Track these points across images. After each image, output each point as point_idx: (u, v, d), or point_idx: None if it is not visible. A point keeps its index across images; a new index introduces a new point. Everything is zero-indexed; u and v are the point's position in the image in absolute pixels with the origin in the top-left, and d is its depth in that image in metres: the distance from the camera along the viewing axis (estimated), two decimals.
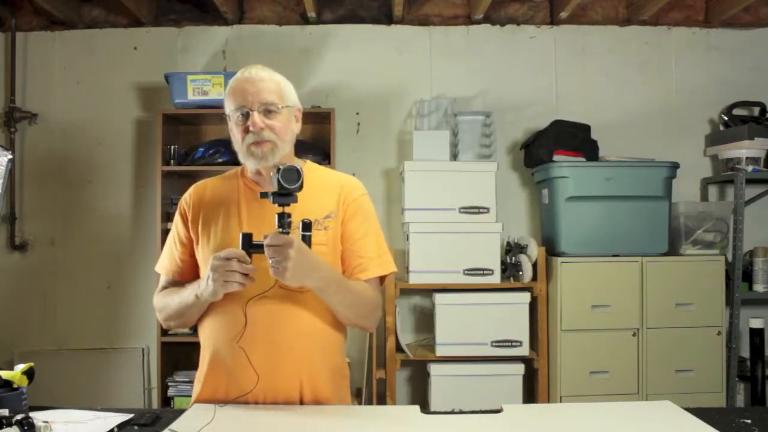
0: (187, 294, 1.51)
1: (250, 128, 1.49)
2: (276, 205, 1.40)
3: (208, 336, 1.56)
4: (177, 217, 1.63)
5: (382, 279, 1.61)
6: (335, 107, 3.22)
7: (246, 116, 1.50)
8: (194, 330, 1.65)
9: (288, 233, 1.38)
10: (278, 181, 1.37)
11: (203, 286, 1.44)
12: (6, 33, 3.36)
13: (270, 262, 1.36)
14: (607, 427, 1.37)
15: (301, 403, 1.51)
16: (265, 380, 1.46)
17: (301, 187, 1.39)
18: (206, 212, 1.58)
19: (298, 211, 1.54)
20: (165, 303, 1.59)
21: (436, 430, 1.37)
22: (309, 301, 1.50)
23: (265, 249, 1.37)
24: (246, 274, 1.39)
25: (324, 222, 1.55)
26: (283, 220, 1.39)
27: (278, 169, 1.38)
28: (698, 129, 3.46)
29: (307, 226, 1.43)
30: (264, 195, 1.43)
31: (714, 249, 3.09)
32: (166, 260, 1.63)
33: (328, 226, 1.55)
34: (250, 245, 1.41)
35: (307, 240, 1.41)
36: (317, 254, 1.49)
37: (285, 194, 1.39)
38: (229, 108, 1.55)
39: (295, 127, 1.60)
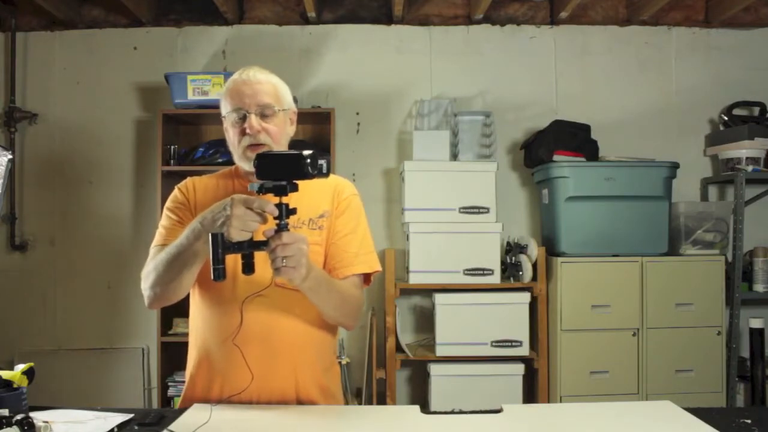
0: (182, 236, 1.38)
1: (247, 131, 1.49)
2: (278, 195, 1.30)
3: (201, 334, 1.55)
4: (176, 196, 1.59)
5: (367, 279, 1.59)
6: (335, 107, 3.22)
7: (243, 118, 1.50)
8: None
9: (287, 225, 1.31)
10: (309, 169, 1.28)
11: (208, 217, 1.33)
12: (6, 33, 3.36)
13: (281, 261, 1.28)
14: (607, 427, 1.37)
15: (297, 401, 1.51)
16: (260, 379, 1.46)
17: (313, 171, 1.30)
18: (201, 207, 1.56)
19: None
20: (154, 263, 1.45)
21: (436, 430, 1.36)
22: (304, 300, 1.49)
23: (276, 248, 1.27)
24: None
25: (318, 221, 1.55)
26: (283, 212, 1.29)
27: (308, 156, 1.28)
28: (698, 129, 3.46)
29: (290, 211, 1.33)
30: (266, 189, 1.32)
31: (714, 249, 3.09)
32: (160, 234, 1.55)
33: (322, 226, 1.55)
34: (255, 245, 1.30)
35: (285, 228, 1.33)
36: (313, 254, 1.49)
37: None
38: (225, 109, 1.55)
39: (290, 130, 1.60)
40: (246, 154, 1.50)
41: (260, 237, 1.32)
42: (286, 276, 1.31)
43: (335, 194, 1.59)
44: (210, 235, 1.26)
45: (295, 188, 1.32)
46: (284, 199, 1.31)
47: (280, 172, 1.31)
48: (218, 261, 1.26)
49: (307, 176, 1.30)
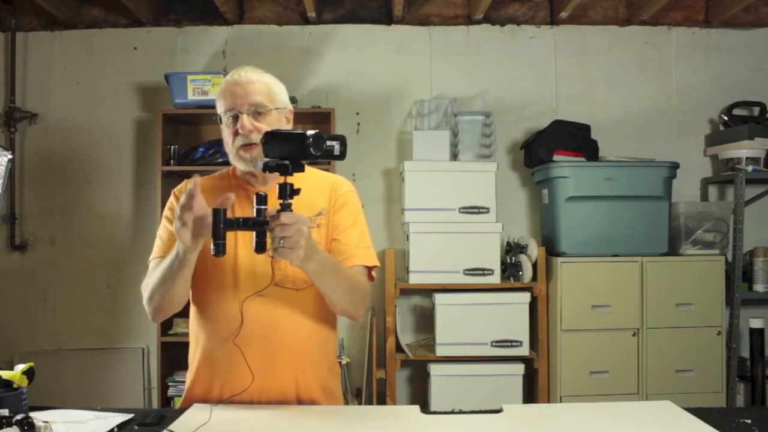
0: (171, 253, 1.40)
1: (239, 131, 1.49)
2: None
3: (201, 334, 1.55)
4: (172, 203, 1.58)
5: (369, 275, 1.59)
6: (335, 107, 3.22)
7: (236, 118, 1.50)
8: None
9: (290, 205, 1.30)
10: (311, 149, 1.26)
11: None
12: (6, 33, 3.36)
13: (278, 241, 1.27)
14: (607, 427, 1.37)
15: (297, 401, 1.50)
16: (260, 379, 1.46)
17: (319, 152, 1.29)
18: None
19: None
20: (150, 279, 1.47)
21: (436, 430, 1.36)
22: (303, 299, 1.50)
23: (275, 227, 1.27)
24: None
25: (316, 219, 1.55)
26: (286, 192, 1.28)
27: (314, 137, 1.27)
28: (698, 129, 3.46)
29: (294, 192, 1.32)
30: (271, 167, 1.31)
31: (714, 249, 3.09)
32: (157, 246, 1.56)
33: (320, 224, 1.55)
34: (257, 223, 1.29)
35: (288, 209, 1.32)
36: None
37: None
38: (219, 110, 1.55)
39: (286, 129, 1.60)
40: (239, 154, 1.50)
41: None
42: (284, 257, 1.30)
43: (332, 191, 1.60)
44: (212, 210, 1.28)
45: (299, 168, 1.31)
46: (289, 179, 1.30)
47: (285, 151, 1.31)
48: (219, 236, 1.28)
49: (310, 156, 1.29)
